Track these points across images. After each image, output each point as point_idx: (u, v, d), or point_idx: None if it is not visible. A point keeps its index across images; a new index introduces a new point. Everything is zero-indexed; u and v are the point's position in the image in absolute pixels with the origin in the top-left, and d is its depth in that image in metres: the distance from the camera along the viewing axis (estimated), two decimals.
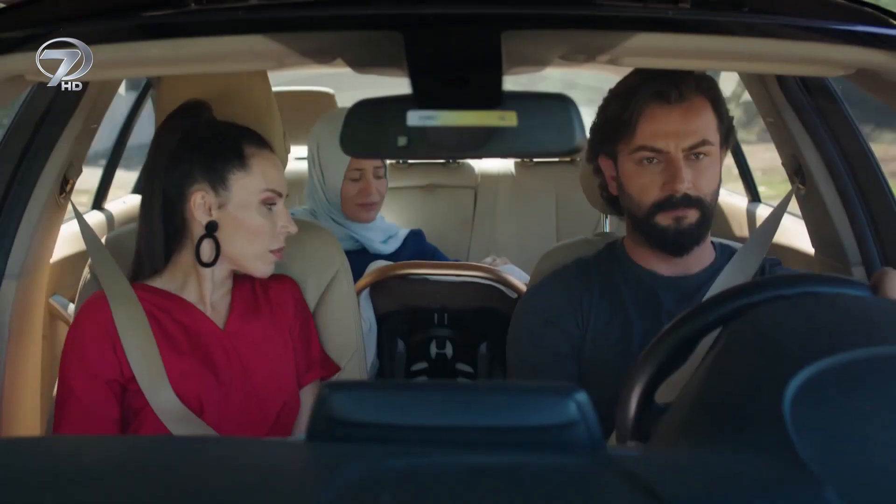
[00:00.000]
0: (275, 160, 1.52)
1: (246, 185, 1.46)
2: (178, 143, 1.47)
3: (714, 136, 1.45)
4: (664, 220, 1.44)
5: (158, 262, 1.51)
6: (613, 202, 1.57)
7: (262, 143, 1.51)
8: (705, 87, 1.46)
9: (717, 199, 1.48)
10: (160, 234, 1.49)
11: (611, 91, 1.51)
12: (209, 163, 1.46)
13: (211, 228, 1.47)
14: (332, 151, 2.24)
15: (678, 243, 1.45)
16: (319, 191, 2.29)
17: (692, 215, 1.44)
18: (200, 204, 1.46)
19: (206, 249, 1.47)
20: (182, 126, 1.49)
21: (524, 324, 1.54)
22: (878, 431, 0.56)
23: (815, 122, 1.86)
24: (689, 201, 1.43)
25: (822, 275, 1.03)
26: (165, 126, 1.51)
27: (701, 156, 1.43)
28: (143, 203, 1.50)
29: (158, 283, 1.52)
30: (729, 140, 1.50)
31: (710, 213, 1.46)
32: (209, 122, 1.52)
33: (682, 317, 0.98)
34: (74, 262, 2.09)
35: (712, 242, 1.56)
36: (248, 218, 1.47)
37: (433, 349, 2.28)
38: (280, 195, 1.50)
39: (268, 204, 1.48)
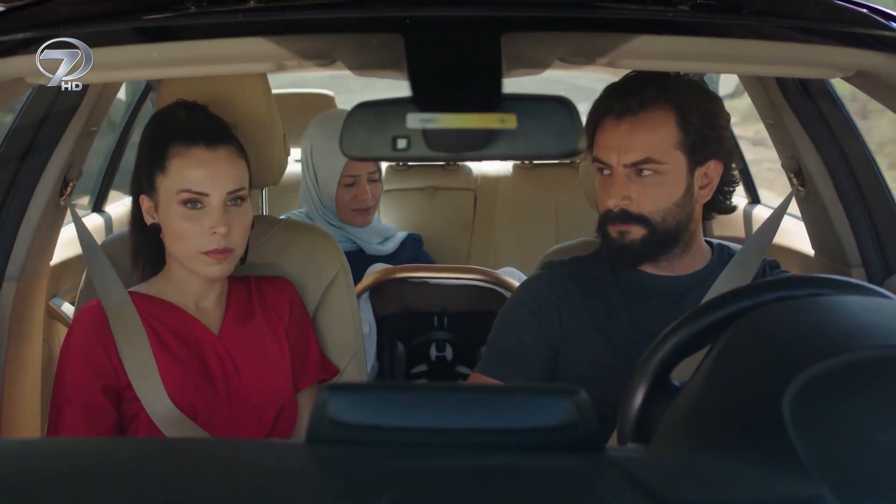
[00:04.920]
0: (203, 157, 1.43)
1: (166, 188, 1.45)
2: (139, 148, 1.51)
3: (666, 152, 1.41)
4: (611, 231, 1.46)
5: (146, 268, 1.54)
6: None
7: (191, 139, 1.44)
8: (667, 100, 1.42)
9: (674, 217, 1.44)
10: (141, 238, 1.52)
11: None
12: (143, 167, 1.48)
13: (153, 232, 1.49)
14: (326, 157, 2.23)
15: (620, 258, 1.47)
16: (314, 195, 2.28)
17: (636, 231, 1.43)
18: (146, 208, 1.49)
19: (152, 252, 1.52)
20: (146, 129, 1.51)
21: (509, 307, 1.56)
22: (879, 433, 0.56)
23: (814, 124, 1.87)
24: (627, 217, 1.43)
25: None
26: (142, 136, 1.54)
27: (645, 172, 1.42)
28: (132, 209, 1.55)
29: (151, 289, 1.53)
30: (702, 153, 1.44)
31: (659, 231, 1.44)
32: (159, 123, 1.50)
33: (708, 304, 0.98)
34: (74, 264, 2.09)
35: (710, 243, 1.56)
36: (169, 220, 1.45)
37: (433, 352, 2.28)
38: (203, 195, 1.43)
39: (188, 204, 1.44)
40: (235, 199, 1.45)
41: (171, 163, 1.44)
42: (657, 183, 1.43)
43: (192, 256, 1.45)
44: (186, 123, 1.47)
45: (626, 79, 1.48)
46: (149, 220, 1.49)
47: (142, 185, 1.48)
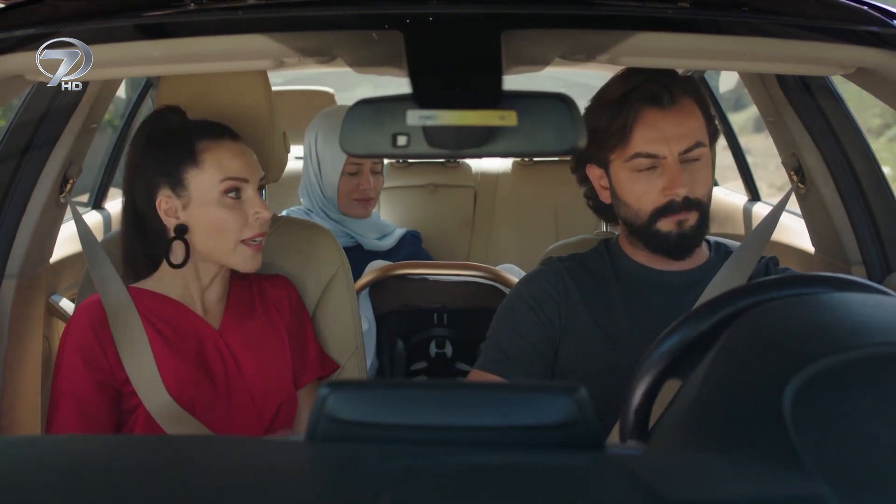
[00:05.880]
0: (234, 148, 1.48)
1: (202, 182, 1.46)
2: (141, 154, 1.49)
3: (704, 136, 1.45)
4: (666, 225, 1.44)
5: (143, 267, 1.53)
6: (602, 209, 1.57)
7: (218, 133, 1.49)
8: (691, 88, 1.46)
9: (711, 199, 1.48)
10: (138, 241, 1.51)
11: (596, 100, 1.50)
12: (164, 167, 1.46)
13: (180, 231, 1.47)
14: (331, 146, 2.25)
15: (681, 247, 1.46)
16: (316, 186, 2.30)
17: (692, 218, 1.44)
18: (166, 208, 1.47)
19: (175, 252, 1.48)
20: (144, 137, 1.50)
21: (508, 303, 1.55)
22: (878, 431, 0.56)
23: (815, 122, 1.86)
24: (689, 204, 1.43)
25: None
26: (134, 137, 1.53)
27: (696, 158, 1.43)
28: (123, 213, 1.53)
29: (152, 285, 1.53)
30: (715, 140, 1.51)
31: (708, 214, 1.47)
32: (165, 126, 1.50)
33: (704, 306, 0.98)
34: (74, 261, 2.09)
35: (707, 240, 1.56)
36: (211, 214, 1.46)
37: (433, 349, 2.28)
38: (245, 181, 1.47)
39: (231, 193, 1.46)
40: (260, 188, 1.50)
41: (205, 156, 1.46)
42: (703, 166, 1.45)
43: (231, 248, 1.47)
44: (200, 123, 1.50)
45: (648, 72, 1.44)
46: (171, 222, 1.47)
47: (156, 187, 1.47)
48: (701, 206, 1.44)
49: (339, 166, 2.25)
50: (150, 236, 1.50)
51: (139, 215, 1.50)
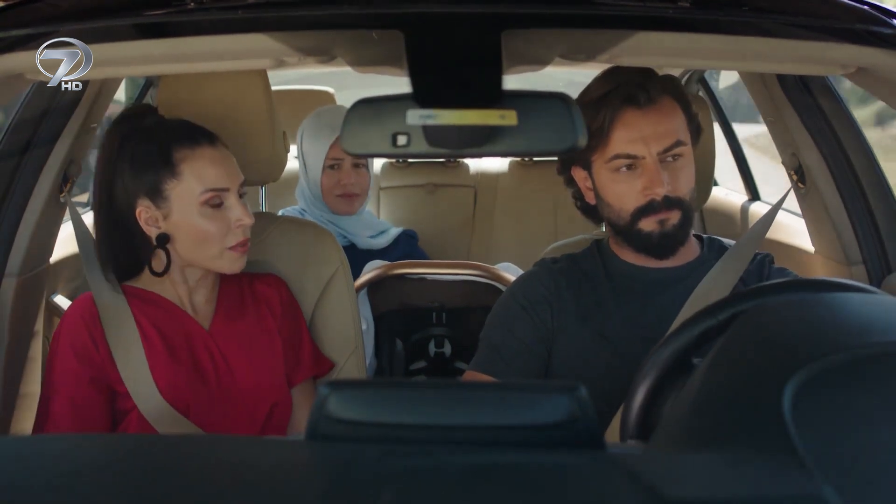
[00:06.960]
0: (212, 155, 1.45)
1: (181, 193, 1.43)
2: (116, 157, 1.45)
3: (685, 135, 1.46)
4: (647, 225, 1.45)
5: (128, 269, 1.51)
6: (589, 210, 1.57)
7: (195, 139, 1.45)
8: (671, 87, 1.46)
9: (695, 197, 1.49)
10: (120, 245, 1.48)
11: (577, 101, 1.50)
12: (143, 177, 1.44)
13: (161, 241, 1.45)
14: (313, 142, 2.26)
15: (663, 246, 1.47)
16: (304, 184, 2.31)
17: (674, 216, 1.44)
18: (146, 218, 1.45)
19: (157, 261, 1.47)
20: (118, 138, 1.46)
21: (502, 304, 1.56)
22: (879, 430, 0.56)
23: (815, 121, 1.87)
24: (670, 203, 1.43)
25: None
26: (106, 136, 1.49)
27: (676, 157, 1.44)
28: (99, 216, 1.49)
29: (143, 284, 1.52)
30: (698, 138, 1.51)
31: (691, 213, 1.47)
32: (139, 131, 1.46)
33: (704, 311, 0.98)
34: (75, 260, 2.09)
35: (698, 237, 1.57)
36: (192, 224, 1.44)
37: (432, 348, 2.28)
38: (224, 190, 1.44)
39: (211, 204, 1.44)
40: (242, 191, 1.48)
41: (184, 167, 1.43)
42: (685, 165, 1.45)
43: (216, 255, 1.45)
44: (175, 124, 1.47)
45: (626, 73, 1.45)
46: (152, 231, 1.46)
47: (135, 196, 1.44)
48: (682, 205, 1.45)
49: (320, 161, 2.25)
50: (134, 242, 1.48)
51: (120, 220, 1.47)
